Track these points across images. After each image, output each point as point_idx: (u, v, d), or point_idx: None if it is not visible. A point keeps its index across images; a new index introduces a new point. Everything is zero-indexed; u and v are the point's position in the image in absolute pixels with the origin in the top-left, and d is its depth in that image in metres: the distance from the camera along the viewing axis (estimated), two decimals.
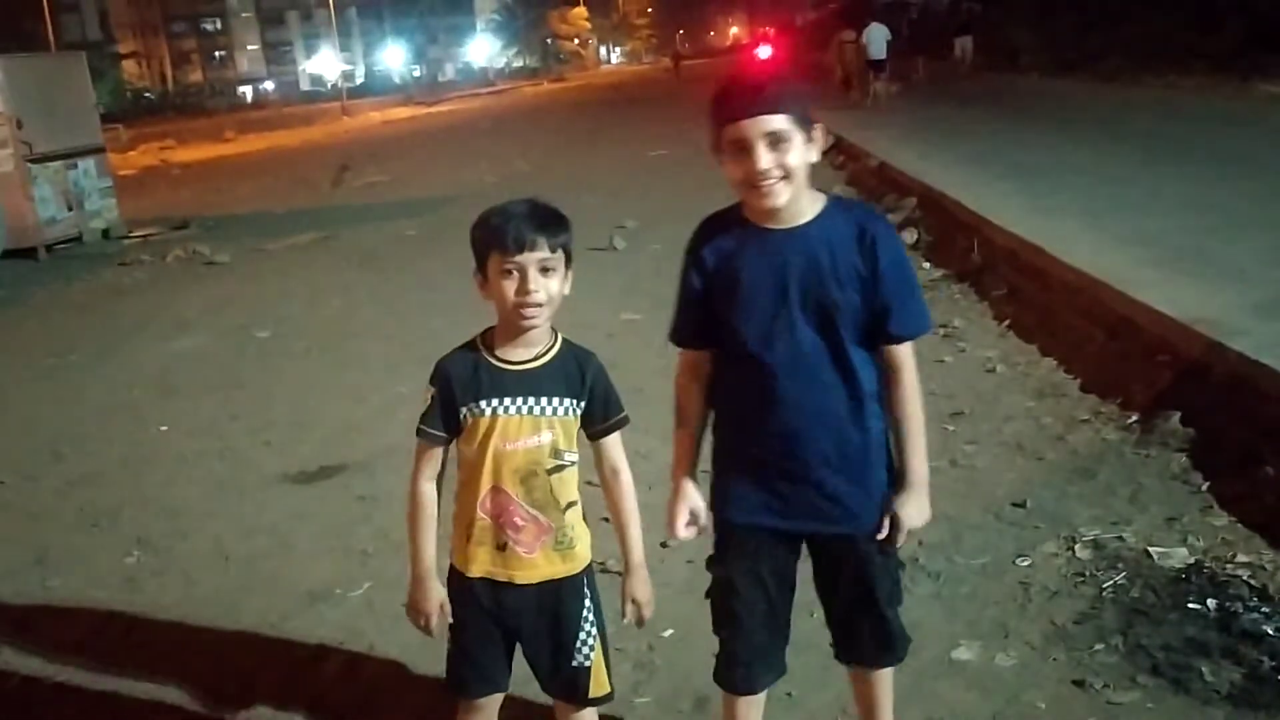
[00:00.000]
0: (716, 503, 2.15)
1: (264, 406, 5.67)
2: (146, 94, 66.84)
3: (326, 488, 4.45)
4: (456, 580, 2.11)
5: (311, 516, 4.14)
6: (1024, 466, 3.94)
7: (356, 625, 3.25)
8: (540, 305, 1.97)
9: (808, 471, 2.01)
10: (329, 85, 67.55)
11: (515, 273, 1.95)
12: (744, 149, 1.90)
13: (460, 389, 2.02)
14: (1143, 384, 4.40)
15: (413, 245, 10.36)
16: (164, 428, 5.47)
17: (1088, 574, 3.12)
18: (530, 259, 1.95)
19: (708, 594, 2.20)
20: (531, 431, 2.02)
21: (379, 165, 19.09)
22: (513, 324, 2.01)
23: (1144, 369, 4.51)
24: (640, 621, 2.16)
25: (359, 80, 71.55)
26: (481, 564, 2.08)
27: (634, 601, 2.14)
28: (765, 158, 1.88)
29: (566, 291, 2.03)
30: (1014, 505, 3.61)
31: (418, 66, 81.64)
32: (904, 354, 2.02)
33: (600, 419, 2.09)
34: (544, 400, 2.02)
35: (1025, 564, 3.22)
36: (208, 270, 10.33)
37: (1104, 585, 3.04)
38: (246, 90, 74.52)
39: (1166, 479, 3.69)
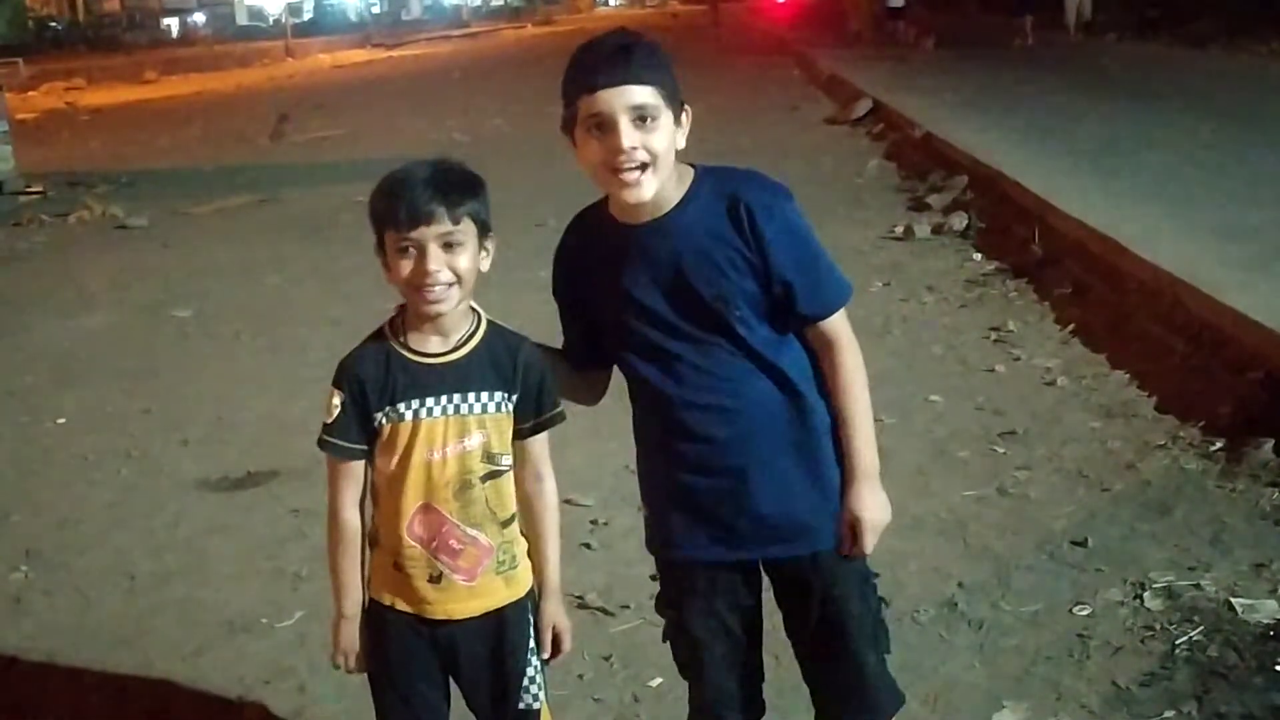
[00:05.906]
0: (653, 541, 2.19)
1: (182, 399, 5.67)
2: (53, 23, 66.53)
3: (253, 498, 4.45)
4: (380, 617, 2.10)
5: (235, 531, 4.14)
6: (1086, 498, 3.95)
7: (285, 662, 3.25)
8: (446, 285, 1.96)
9: (744, 487, 2.03)
10: (271, 21, 67.36)
11: (412, 250, 1.96)
12: (604, 125, 1.90)
13: (374, 392, 2.01)
14: (1231, 405, 4.41)
15: (364, 214, 10.27)
16: (62, 421, 5.46)
17: (1158, 627, 3.13)
18: (428, 234, 1.95)
19: (664, 637, 2.23)
20: (459, 435, 2.02)
21: (328, 117, 19.06)
22: (417, 310, 2.01)
23: (1233, 387, 4.53)
24: (559, 651, 2.18)
25: (307, 16, 71.31)
26: (411, 600, 2.07)
27: (556, 628, 2.16)
28: (630, 135, 1.88)
29: (485, 268, 2.03)
30: (1073, 544, 3.63)
31: (378, 2, 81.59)
32: (833, 328, 2.04)
33: (531, 415, 2.09)
34: (471, 396, 2.03)
35: (1084, 613, 3.23)
36: (120, 235, 10.31)
37: (1177, 641, 3.05)
38: (172, 23, 74.25)
39: (1255, 518, 3.70)
